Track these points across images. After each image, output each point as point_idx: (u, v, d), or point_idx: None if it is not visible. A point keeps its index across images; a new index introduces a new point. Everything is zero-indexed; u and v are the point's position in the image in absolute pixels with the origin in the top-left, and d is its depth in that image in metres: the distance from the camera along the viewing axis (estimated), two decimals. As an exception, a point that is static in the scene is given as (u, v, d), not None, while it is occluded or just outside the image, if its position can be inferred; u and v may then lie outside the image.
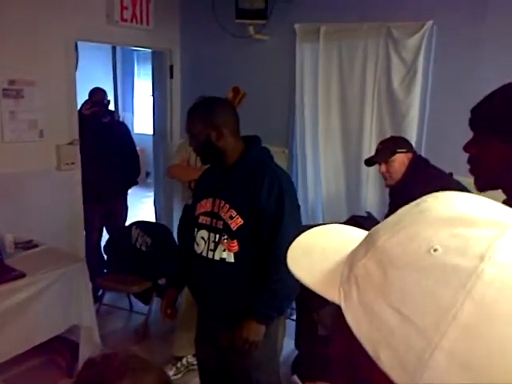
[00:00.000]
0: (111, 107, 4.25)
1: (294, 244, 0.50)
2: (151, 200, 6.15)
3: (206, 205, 1.85)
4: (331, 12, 3.16)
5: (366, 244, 0.41)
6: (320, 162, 3.34)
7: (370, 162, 2.54)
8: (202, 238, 1.85)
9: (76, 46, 3.49)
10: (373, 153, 2.59)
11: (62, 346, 2.89)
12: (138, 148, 7.94)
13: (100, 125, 3.64)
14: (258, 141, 1.88)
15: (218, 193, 1.83)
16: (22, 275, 2.51)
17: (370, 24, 3.01)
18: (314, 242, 0.50)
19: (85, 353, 2.82)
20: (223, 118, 1.80)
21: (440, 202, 0.40)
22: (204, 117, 1.79)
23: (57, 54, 3.27)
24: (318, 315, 2.34)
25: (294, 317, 3.04)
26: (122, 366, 1.00)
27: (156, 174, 4.65)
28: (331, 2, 3.18)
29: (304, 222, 2.56)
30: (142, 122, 8.42)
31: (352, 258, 0.42)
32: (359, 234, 0.47)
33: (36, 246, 2.97)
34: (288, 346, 2.90)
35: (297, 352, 2.88)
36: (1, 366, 2.64)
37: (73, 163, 3.38)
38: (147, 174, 8.67)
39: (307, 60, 3.31)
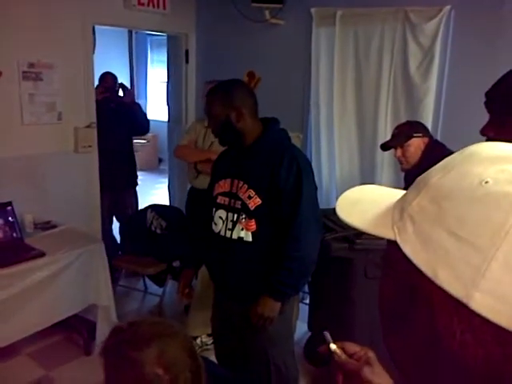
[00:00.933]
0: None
1: (341, 198, 0.54)
2: (164, 186, 6.22)
3: (224, 185, 1.88)
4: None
5: (417, 187, 0.45)
6: (335, 147, 3.35)
7: (385, 147, 2.54)
8: (220, 217, 1.89)
9: (93, 30, 3.52)
10: (388, 137, 2.60)
11: (79, 325, 2.96)
12: (150, 134, 8.08)
13: (109, 110, 3.63)
14: (276, 122, 1.91)
15: (236, 173, 1.86)
16: (42, 254, 2.58)
17: (387, 9, 2.99)
18: (360, 195, 0.55)
19: (102, 332, 2.89)
20: (242, 100, 1.82)
21: (484, 147, 0.45)
22: (224, 98, 1.81)
23: (75, 38, 3.30)
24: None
25: (307, 300, 3.08)
26: (148, 331, 1.04)
27: (170, 159, 4.68)
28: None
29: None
30: (155, 108, 8.46)
31: (402, 202, 0.46)
32: (399, 191, 0.52)
33: (55, 226, 3.04)
34: (300, 329, 2.95)
35: (309, 334, 2.92)
36: (24, 341, 2.74)
37: (90, 146, 3.43)
38: (160, 161, 8.73)
39: (323, 45, 3.31)
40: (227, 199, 1.87)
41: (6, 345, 2.50)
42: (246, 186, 1.82)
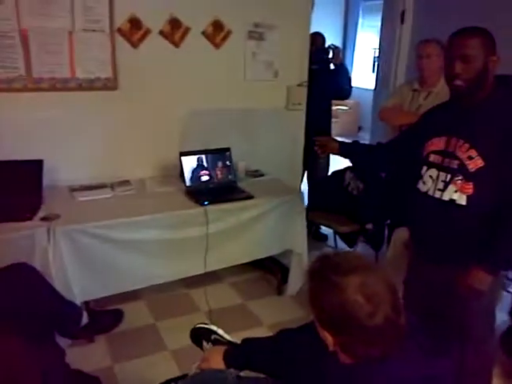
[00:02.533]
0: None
1: None
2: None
3: (438, 143, 1.78)
4: None
5: None
6: None
7: None
8: (431, 176, 1.80)
9: (313, -9, 3.63)
10: None
11: (274, 267, 3.23)
12: (352, 101, 8.07)
13: (311, 72, 3.67)
14: (509, 77, 1.72)
15: (454, 131, 1.73)
16: (251, 197, 2.86)
17: None
18: None
19: (294, 277, 3.11)
20: (495, 46, 1.67)
21: None
22: (485, 39, 1.66)
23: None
24: None
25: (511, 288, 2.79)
26: (353, 262, 1.08)
27: (373, 123, 4.63)
28: None
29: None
30: (359, 75, 8.39)
31: None
32: None
33: (262, 175, 3.33)
34: (498, 318, 2.69)
35: (510, 324, 2.66)
36: (227, 271, 3.13)
37: (299, 104, 3.61)
38: (359, 128, 8.69)
39: None
40: (440, 158, 1.76)
41: (217, 269, 2.88)
42: (467, 145, 1.68)
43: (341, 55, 3.81)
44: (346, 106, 8.16)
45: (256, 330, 2.68)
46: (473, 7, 3.44)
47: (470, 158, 1.67)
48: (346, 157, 2.30)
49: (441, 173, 1.76)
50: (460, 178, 1.70)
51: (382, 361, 1.05)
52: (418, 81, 3.06)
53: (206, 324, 1.84)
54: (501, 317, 2.68)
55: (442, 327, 1.82)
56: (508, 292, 2.89)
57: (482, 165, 1.64)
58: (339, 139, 2.33)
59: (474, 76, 1.67)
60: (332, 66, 3.83)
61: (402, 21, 4.06)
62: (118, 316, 2.51)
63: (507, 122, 1.62)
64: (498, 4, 3.29)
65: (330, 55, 3.76)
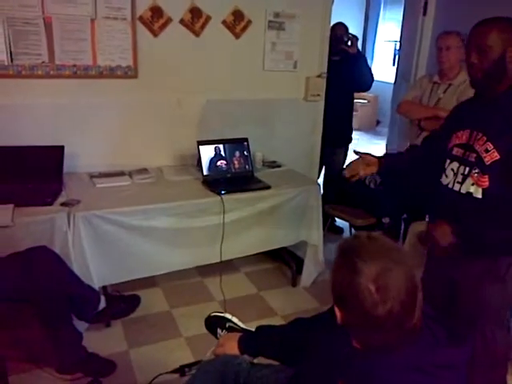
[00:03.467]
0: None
1: None
2: (378, 148, 6.15)
3: (462, 136, 1.76)
4: None
5: None
6: None
7: None
8: (452, 169, 1.79)
9: (335, -19, 3.59)
10: None
11: (289, 258, 3.23)
12: (371, 95, 7.99)
13: (332, 63, 3.64)
14: None
15: (475, 124, 1.72)
16: (268, 187, 2.86)
17: None
18: None
19: (308, 268, 3.11)
20: None
21: None
22: (505, 30, 1.61)
23: (317, -12, 3.43)
24: None
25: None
26: (380, 250, 1.06)
27: (392, 116, 4.58)
28: None
29: None
30: (379, 68, 8.30)
31: None
32: None
33: (279, 166, 3.33)
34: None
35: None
36: (243, 261, 3.15)
37: (318, 95, 3.60)
38: (377, 123, 8.61)
39: None
40: (462, 151, 1.75)
41: (232, 258, 2.90)
42: (484, 138, 1.66)
43: (357, 44, 3.73)
44: (364, 99, 8.09)
45: (270, 319, 2.69)
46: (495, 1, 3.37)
47: (487, 150, 1.65)
48: (387, 177, 2.16)
49: (461, 166, 1.75)
50: (477, 171, 1.68)
51: (393, 350, 1.05)
52: (438, 73, 3.02)
53: (220, 312, 1.85)
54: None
55: (458, 316, 1.82)
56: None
57: (497, 158, 1.62)
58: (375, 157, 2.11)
59: (490, 67, 1.64)
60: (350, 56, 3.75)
61: (425, 12, 3.99)
62: (134, 302, 2.54)
63: None
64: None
65: (349, 44, 3.68)
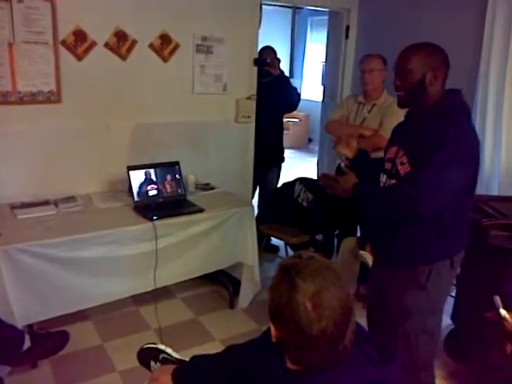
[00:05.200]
0: (285, 71, 4.28)
1: None
2: (311, 165, 6.31)
3: (391, 152, 1.88)
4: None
5: None
6: (502, 131, 3.05)
7: None
8: (382, 181, 1.91)
9: (260, 6, 3.67)
10: None
11: (226, 280, 3.21)
12: (302, 114, 8.22)
13: (261, 84, 3.72)
14: (455, 94, 1.80)
15: (401, 140, 1.85)
16: (201, 210, 2.84)
17: None
18: None
19: (245, 289, 3.11)
20: (441, 64, 1.75)
21: None
22: (427, 55, 1.74)
23: (244, 14, 3.50)
24: None
25: (454, 293, 2.90)
26: (319, 270, 1.08)
27: (322, 135, 4.73)
28: None
29: (477, 192, 2.40)
30: (309, 88, 8.57)
31: None
32: None
33: (212, 188, 3.32)
34: (443, 321, 2.79)
35: (452, 327, 2.76)
36: (178, 286, 3.08)
37: (249, 116, 3.65)
38: (310, 140, 8.85)
39: (499, 15, 3.00)
40: (390, 165, 1.87)
41: (167, 284, 2.83)
42: (402, 151, 1.79)
43: (279, 66, 3.84)
44: (296, 118, 8.31)
45: (208, 345, 2.65)
46: (409, 24, 3.61)
47: (402, 163, 1.78)
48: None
49: (388, 178, 1.87)
50: (394, 181, 1.81)
51: (326, 370, 1.06)
52: (362, 94, 3.16)
53: (153, 344, 1.80)
54: (445, 320, 2.78)
55: (386, 334, 1.89)
56: (451, 296, 3.00)
57: (408, 170, 1.75)
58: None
59: (412, 89, 1.77)
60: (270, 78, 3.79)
61: (347, 36, 4.19)
62: (63, 338, 2.40)
63: (431, 130, 1.71)
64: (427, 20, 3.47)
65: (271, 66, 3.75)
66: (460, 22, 3.32)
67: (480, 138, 3.19)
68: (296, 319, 1.01)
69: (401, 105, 1.88)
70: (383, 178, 1.91)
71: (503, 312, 0.66)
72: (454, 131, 1.68)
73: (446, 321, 2.77)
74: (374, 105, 3.09)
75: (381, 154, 2.08)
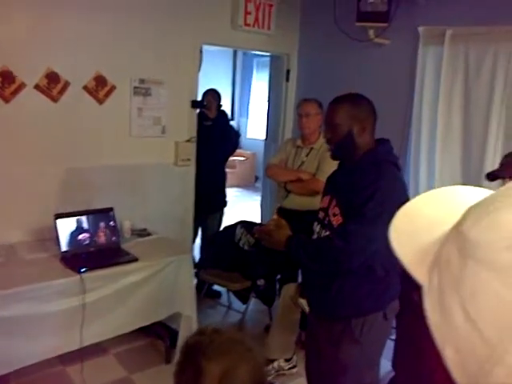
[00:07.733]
0: (227, 110, 4.31)
1: (401, 211, 0.47)
2: (258, 204, 6.28)
3: (325, 201, 1.87)
4: (459, 14, 2.97)
5: (455, 226, 0.37)
6: (435, 175, 3.15)
7: (492, 177, 2.32)
8: (315, 230, 1.88)
9: (201, 49, 3.68)
10: (496, 166, 2.37)
11: (163, 332, 3.05)
12: (248, 152, 8.27)
13: (204, 127, 3.70)
14: (384, 144, 1.82)
15: (333, 190, 1.85)
16: (135, 259, 2.71)
17: (502, 28, 2.77)
18: (422, 209, 0.46)
19: (183, 340, 2.95)
20: (368, 115, 1.77)
21: None
22: (351, 108, 1.75)
23: (184, 57, 3.48)
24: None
25: (393, 336, 2.89)
26: (225, 346, 1.01)
27: (264, 177, 4.72)
28: (459, 2, 2.98)
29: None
30: (255, 127, 8.66)
31: (447, 236, 0.38)
32: (471, 198, 0.40)
33: (149, 234, 3.19)
34: (384, 368, 2.76)
35: (393, 374, 2.73)
36: (112, 341, 2.89)
37: (189, 159, 3.58)
38: (256, 178, 8.88)
39: (429, 64, 3.15)
40: (323, 214, 1.85)
41: (95, 342, 2.64)
42: (335, 202, 1.78)
43: (216, 108, 3.84)
44: (242, 156, 8.34)
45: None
46: (347, 68, 3.72)
47: (334, 214, 1.76)
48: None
49: (321, 228, 1.85)
50: (327, 233, 1.79)
51: None
52: (300, 138, 3.19)
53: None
54: (386, 366, 2.74)
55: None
56: (391, 339, 2.98)
57: (340, 221, 1.74)
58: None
59: (340, 141, 1.78)
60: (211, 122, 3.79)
61: (287, 79, 4.27)
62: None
63: (361, 181, 1.72)
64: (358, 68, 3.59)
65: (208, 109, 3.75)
66: (395, 70, 3.45)
67: (414, 181, 3.32)
68: None
69: (333, 157, 1.90)
70: (317, 227, 1.88)
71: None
72: (383, 183, 1.69)
73: (388, 366, 2.74)
74: (312, 148, 3.11)
75: (314, 205, 2.08)
